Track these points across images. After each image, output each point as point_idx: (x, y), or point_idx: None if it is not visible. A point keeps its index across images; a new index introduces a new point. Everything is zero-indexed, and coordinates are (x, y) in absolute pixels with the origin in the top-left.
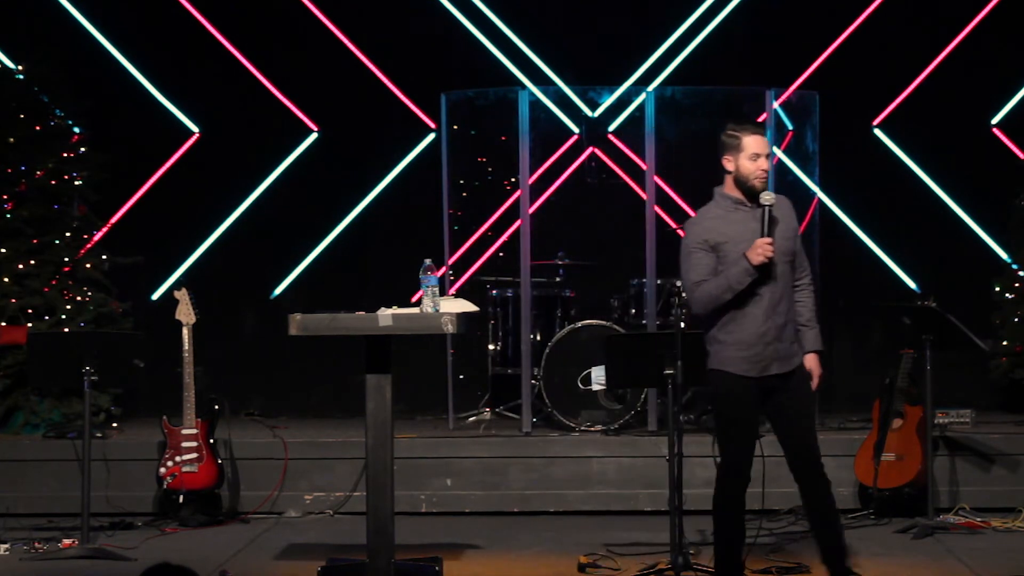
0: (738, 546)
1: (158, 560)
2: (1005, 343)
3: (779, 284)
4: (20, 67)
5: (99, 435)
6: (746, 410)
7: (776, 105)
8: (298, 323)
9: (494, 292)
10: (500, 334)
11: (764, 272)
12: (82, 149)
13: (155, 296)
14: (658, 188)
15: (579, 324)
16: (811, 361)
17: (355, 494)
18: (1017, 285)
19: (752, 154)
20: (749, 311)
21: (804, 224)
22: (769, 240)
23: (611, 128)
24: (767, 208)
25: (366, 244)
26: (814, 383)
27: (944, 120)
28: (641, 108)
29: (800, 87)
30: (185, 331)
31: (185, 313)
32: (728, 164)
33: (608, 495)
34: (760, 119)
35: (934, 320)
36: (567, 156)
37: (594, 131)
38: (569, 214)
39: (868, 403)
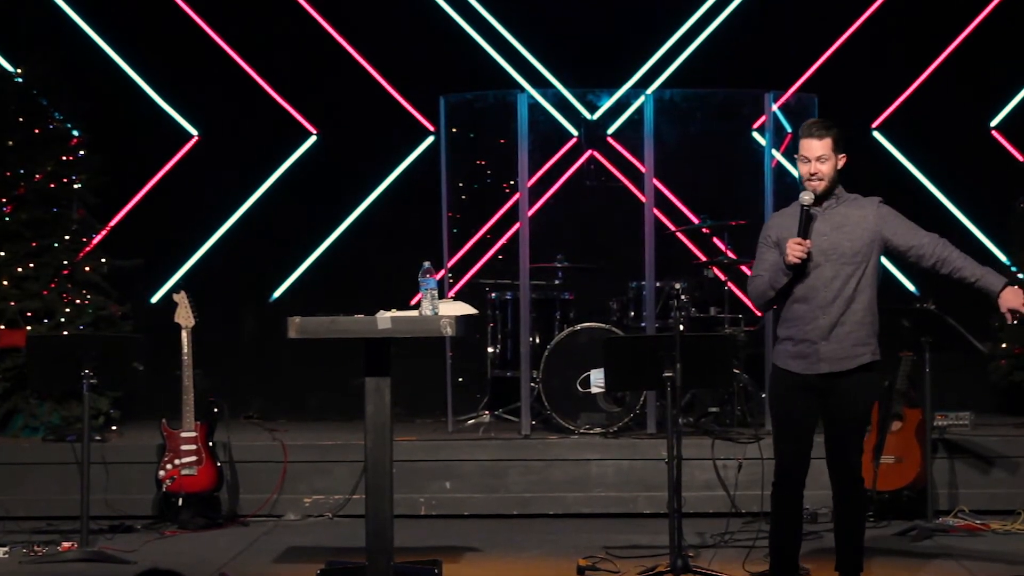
0: (789, 550)
1: (155, 564)
2: (1004, 345)
3: (836, 285)
4: (19, 70)
5: (98, 438)
6: (791, 406)
7: (775, 107)
8: (297, 326)
9: (493, 295)
10: (499, 337)
11: (815, 272)
12: (81, 152)
13: (154, 299)
14: (657, 190)
15: (578, 327)
16: (1007, 299)
17: (354, 497)
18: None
19: (802, 156)
20: (799, 309)
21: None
22: (799, 240)
23: (610, 131)
24: (804, 208)
25: (365, 247)
26: (1009, 316)
27: (943, 122)
28: (640, 111)
29: (799, 90)
30: (184, 334)
31: (184, 316)
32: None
33: (607, 498)
34: (759, 122)
35: (933, 322)
36: (566, 159)
37: (593, 134)
38: (568, 217)
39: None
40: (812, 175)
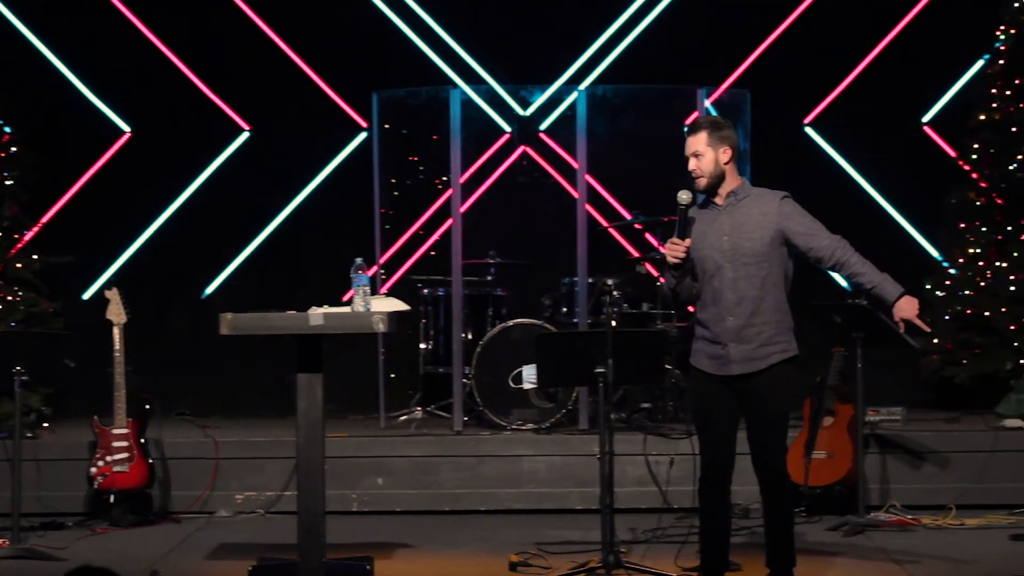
0: (718, 545)
1: (86, 561)
2: (936, 341)
3: (741, 286)
4: None
5: (30, 435)
6: (710, 405)
7: (707, 103)
8: (229, 322)
9: (425, 291)
10: (432, 333)
11: (718, 274)
12: (13, 149)
13: (86, 296)
14: (590, 187)
15: (510, 323)
16: (901, 308)
17: (286, 493)
18: (948, 283)
19: (687, 155)
20: (710, 311)
21: None
22: (676, 240)
23: (543, 127)
24: (680, 208)
25: (298, 243)
26: (901, 325)
27: (875, 118)
28: (573, 107)
29: (731, 86)
30: (116, 331)
31: (116, 313)
32: None
33: (539, 493)
34: (691, 118)
35: (865, 318)
36: (499, 155)
37: (526, 130)
38: (501, 213)
39: (799, 401)
40: (691, 172)
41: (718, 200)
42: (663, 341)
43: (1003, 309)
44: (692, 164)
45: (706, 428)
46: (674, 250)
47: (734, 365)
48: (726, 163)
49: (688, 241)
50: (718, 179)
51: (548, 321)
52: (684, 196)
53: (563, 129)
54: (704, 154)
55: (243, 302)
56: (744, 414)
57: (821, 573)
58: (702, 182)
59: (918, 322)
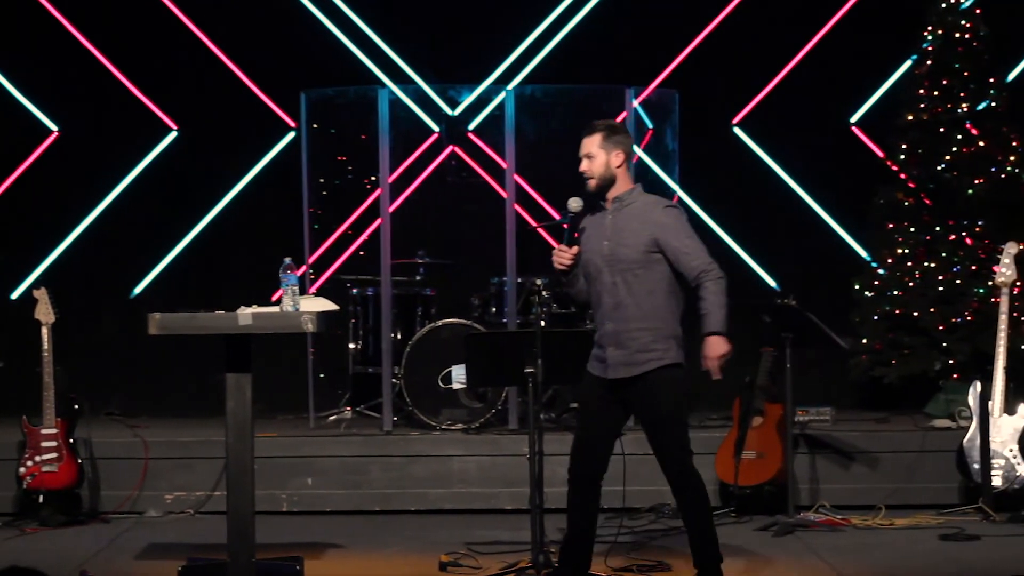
0: (576, 547)
1: (15, 561)
2: (864, 341)
3: (618, 292)
4: None
5: None
6: (585, 405)
7: (636, 103)
8: (157, 322)
9: (355, 291)
10: (361, 333)
11: (598, 279)
12: None
13: (14, 295)
14: (518, 186)
15: (440, 323)
16: (705, 345)
17: (216, 494)
18: (876, 283)
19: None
20: (597, 314)
21: None
22: (563, 248)
23: (471, 127)
24: (568, 215)
25: (226, 243)
26: (704, 363)
27: (803, 119)
28: (501, 107)
29: (660, 86)
30: (44, 330)
31: (44, 312)
32: None
33: (469, 493)
34: (619, 117)
35: (794, 318)
36: (427, 155)
37: (454, 130)
38: (430, 213)
39: (728, 401)
40: (582, 173)
41: (607, 204)
42: (590, 341)
43: (931, 309)
44: (584, 165)
45: (583, 427)
46: (559, 257)
47: (611, 369)
48: (617, 167)
49: (575, 249)
50: (608, 182)
51: (477, 321)
52: (574, 204)
53: (491, 129)
54: (596, 156)
55: (172, 302)
56: (639, 420)
57: (752, 573)
58: (592, 183)
59: (711, 364)
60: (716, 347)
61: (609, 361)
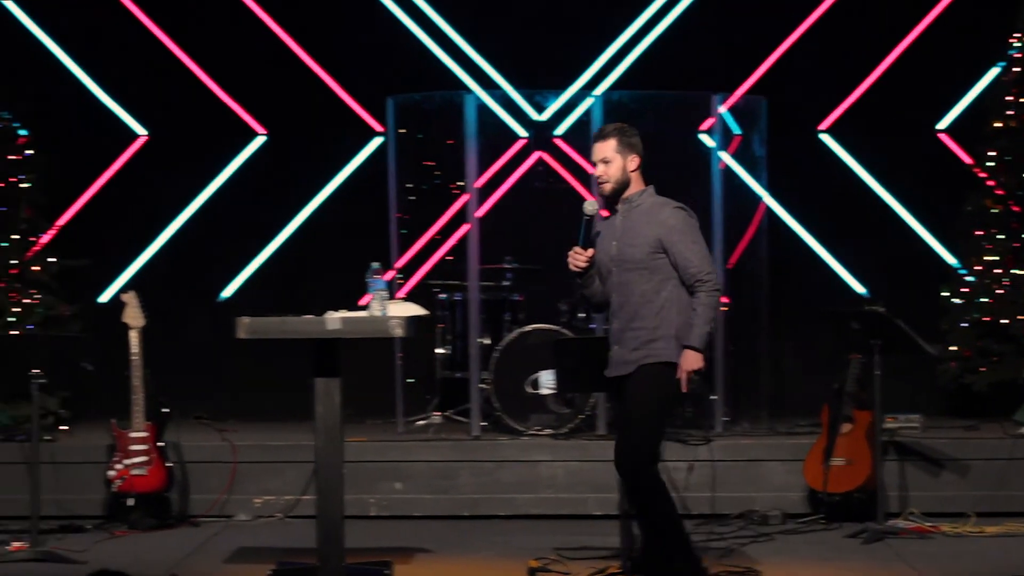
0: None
1: (105, 564)
2: (953, 348)
3: (623, 291)
4: None
5: (48, 438)
6: (615, 408)
7: (723, 109)
8: (246, 326)
9: (442, 296)
10: (449, 338)
11: (609, 279)
12: (28, 151)
13: (103, 299)
14: None
15: (528, 328)
16: (682, 359)
17: (305, 498)
18: (965, 290)
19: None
20: (610, 314)
21: (752, 229)
22: (578, 250)
23: (558, 132)
24: (585, 219)
25: (315, 247)
26: (677, 372)
27: (890, 125)
28: (588, 112)
29: (747, 92)
30: (133, 334)
31: (133, 316)
32: None
33: (557, 499)
34: (706, 124)
35: (882, 325)
36: (514, 160)
37: (541, 135)
38: (517, 218)
39: (817, 408)
40: (598, 178)
41: (619, 206)
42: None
43: (1020, 316)
44: (600, 170)
45: (616, 424)
46: (575, 259)
47: (614, 367)
48: (632, 171)
49: (591, 252)
50: (623, 186)
51: (565, 326)
52: (590, 207)
53: (578, 134)
54: (612, 161)
55: (260, 306)
56: None
57: None
58: (607, 188)
59: (681, 376)
60: (690, 361)
61: (612, 359)
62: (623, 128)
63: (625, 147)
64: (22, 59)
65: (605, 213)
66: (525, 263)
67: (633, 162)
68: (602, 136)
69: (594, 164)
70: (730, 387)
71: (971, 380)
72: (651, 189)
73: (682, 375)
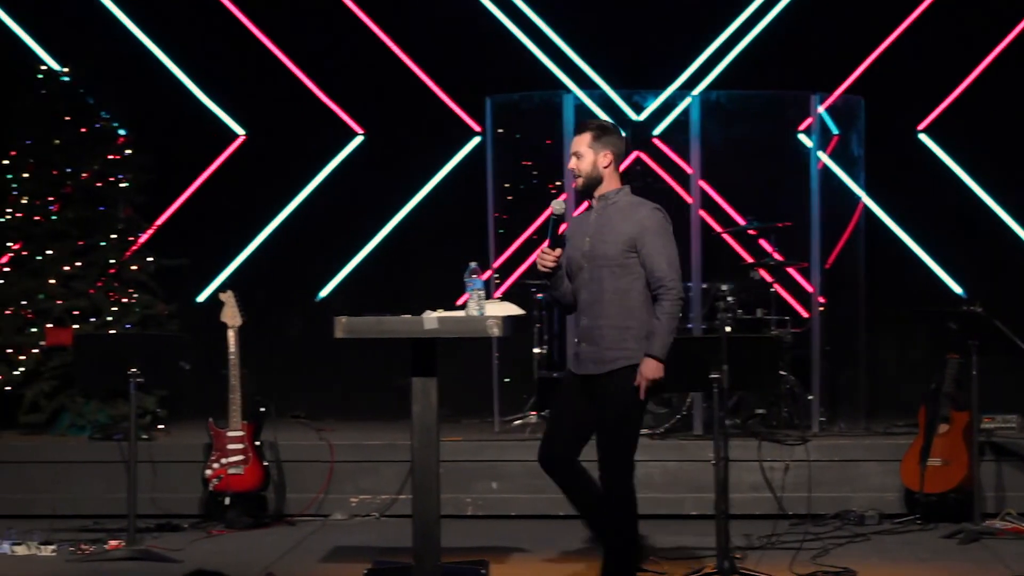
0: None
1: (201, 563)
2: None
3: (594, 288)
4: (66, 69)
5: (145, 437)
6: (560, 399)
7: (821, 109)
8: (344, 326)
9: (539, 295)
10: (546, 337)
11: (579, 276)
12: (128, 151)
13: (201, 298)
14: (703, 192)
15: None
16: (641, 367)
17: (401, 497)
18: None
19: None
20: (577, 311)
21: (849, 229)
22: (546, 250)
23: (656, 132)
24: (553, 217)
25: (412, 247)
26: (636, 379)
27: (990, 125)
28: (686, 112)
29: (845, 91)
30: (231, 333)
31: (231, 315)
32: None
33: (654, 499)
34: (804, 124)
35: (980, 325)
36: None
37: (639, 135)
38: None
39: (914, 408)
40: (570, 170)
41: (595, 203)
42: (777, 347)
43: None
44: (572, 163)
45: (551, 418)
46: (543, 259)
47: (582, 364)
48: (605, 167)
49: (559, 251)
50: (595, 182)
51: None
52: (558, 206)
53: (677, 134)
54: (584, 155)
55: (358, 305)
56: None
57: None
58: (579, 182)
59: (640, 383)
60: (651, 370)
61: (581, 356)
62: (602, 124)
63: (599, 143)
64: (122, 59)
65: (583, 207)
66: None
67: (606, 158)
68: (579, 130)
69: (572, 157)
70: (827, 387)
71: None
72: (627, 188)
73: (641, 383)
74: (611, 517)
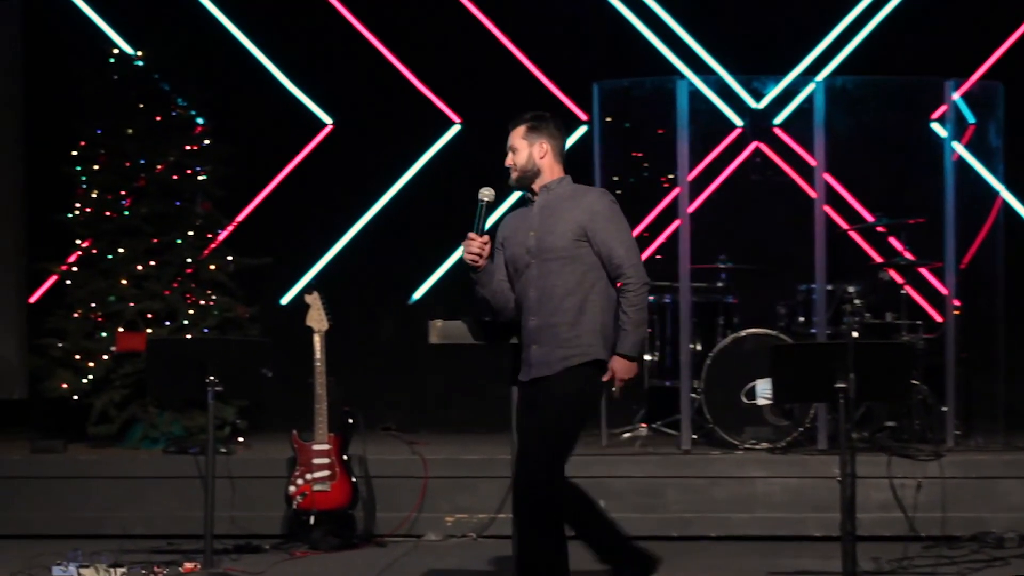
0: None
1: None
2: None
3: (543, 284)
4: (139, 53)
5: (223, 450)
6: (520, 420)
7: (956, 96)
8: (439, 330)
9: (651, 298)
10: (657, 344)
11: (526, 273)
12: (206, 141)
13: (285, 300)
14: (828, 186)
15: (743, 333)
16: (614, 360)
17: (500, 516)
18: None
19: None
20: (522, 314)
21: (987, 226)
22: (472, 236)
23: (777, 121)
24: (480, 204)
25: None
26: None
27: None
28: (810, 99)
29: (983, 76)
30: (317, 338)
31: (317, 319)
32: None
33: (774, 519)
34: (938, 112)
35: None
36: (729, 151)
37: (758, 124)
38: (732, 214)
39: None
40: (506, 167)
41: (535, 196)
42: (909, 354)
43: None
44: (508, 159)
45: (519, 439)
46: (468, 245)
47: (533, 368)
48: (541, 158)
49: (485, 237)
50: (531, 175)
51: (783, 331)
52: (487, 192)
53: (799, 123)
54: (519, 149)
55: (453, 308)
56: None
57: None
58: (514, 175)
59: (617, 383)
60: (624, 370)
61: (531, 360)
62: (536, 115)
63: (534, 134)
64: (199, 43)
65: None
66: (740, 263)
67: (541, 149)
68: (513, 123)
69: (509, 152)
70: (963, 398)
71: None
72: (569, 178)
73: (617, 383)
74: (526, 522)
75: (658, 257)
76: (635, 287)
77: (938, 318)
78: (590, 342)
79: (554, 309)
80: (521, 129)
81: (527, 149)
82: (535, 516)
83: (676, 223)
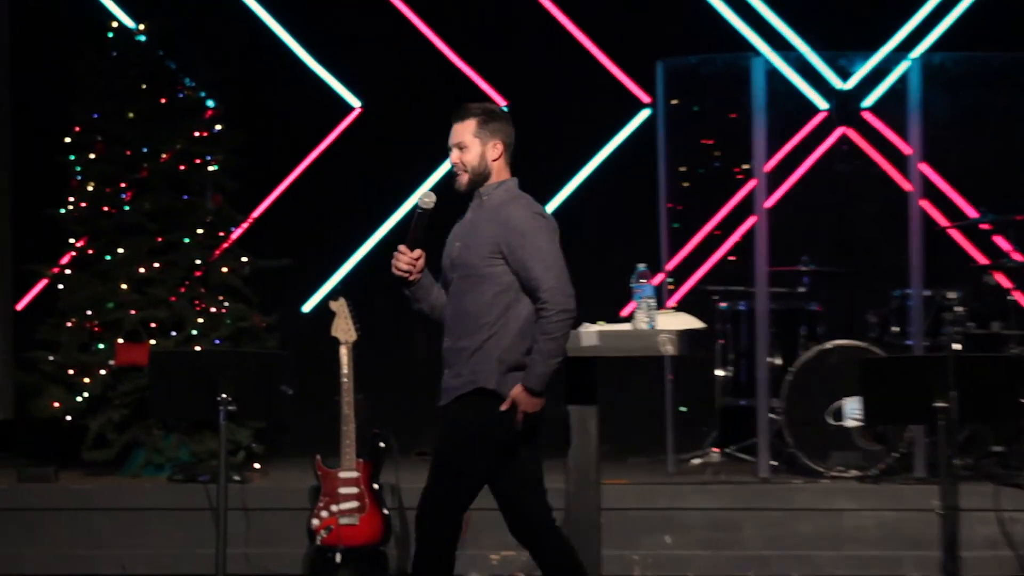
0: None
1: None
2: None
3: (455, 303)
4: (142, 27)
5: (237, 478)
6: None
7: None
8: None
9: (723, 305)
10: (731, 357)
11: (449, 289)
12: (217, 127)
13: (306, 308)
14: (925, 177)
15: (828, 345)
16: (515, 391)
17: None
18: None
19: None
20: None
21: None
22: (402, 249)
23: (866, 104)
24: (417, 212)
25: (567, 244)
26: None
27: None
28: (903, 79)
29: None
30: (343, 350)
31: (343, 329)
32: None
33: (865, 557)
34: None
35: None
36: (812, 138)
37: (845, 107)
38: (815, 209)
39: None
40: (452, 167)
41: (473, 200)
42: (1019, 369)
43: None
44: (454, 156)
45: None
46: (397, 260)
47: (444, 394)
48: (494, 160)
49: (418, 252)
50: (482, 178)
51: (875, 343)
52: (427, 198)
53: (892, 106)
54: (470, 147)
55: None
56: None
57: None
58: (463, 179)
59: (507, 405)
60: (524, 403)
61: (443, 385)
62: (487, 108)
63: (486, 130)
64: (209, 16)
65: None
66: (825, 265)
67: (495, 149)
68: (459, 116)
69: (450, 149)
70: None
71: None
72: (512, 182)
73: (519, 414)
74: (415, 554)
75: (731, 258)
76: (550, 313)
77: None
78: (481, 370)
79: (462, 332)
80: (471, 124)
81: (479, 148)
82: (418, 547)
83: (752, 220)
